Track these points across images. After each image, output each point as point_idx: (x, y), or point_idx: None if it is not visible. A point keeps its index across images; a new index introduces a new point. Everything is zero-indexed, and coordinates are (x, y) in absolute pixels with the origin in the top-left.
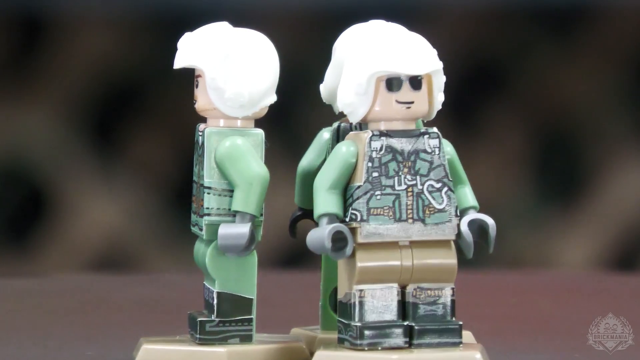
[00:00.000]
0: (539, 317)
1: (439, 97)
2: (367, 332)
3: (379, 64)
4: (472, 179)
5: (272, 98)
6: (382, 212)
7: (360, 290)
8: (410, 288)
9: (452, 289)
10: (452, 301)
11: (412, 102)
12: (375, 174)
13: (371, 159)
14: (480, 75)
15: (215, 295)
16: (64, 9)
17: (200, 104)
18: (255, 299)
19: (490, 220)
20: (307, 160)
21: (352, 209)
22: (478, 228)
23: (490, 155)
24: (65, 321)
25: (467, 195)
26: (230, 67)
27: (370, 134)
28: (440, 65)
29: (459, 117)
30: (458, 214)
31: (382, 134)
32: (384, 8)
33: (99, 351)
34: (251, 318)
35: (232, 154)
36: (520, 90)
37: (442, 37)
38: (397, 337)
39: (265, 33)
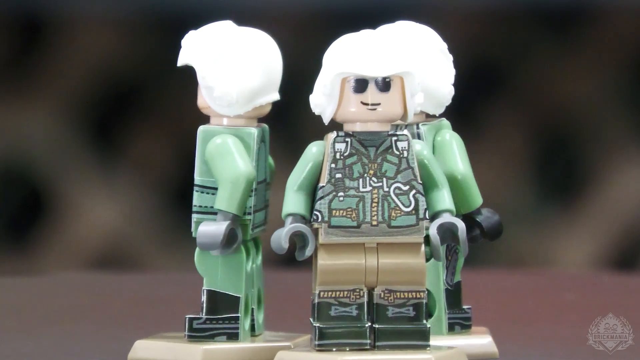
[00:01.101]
0: (539, 316)
1: (416, 99)
2: (326, 333)
3: (340, 64)
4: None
5: (270, 97)
6: (344, 214)
7: (324, 291)
8: (378, 290)
9: (423, 291)
10: (423, 304)
11: (379, 104)
12: (338, 175)
13: (334, 160)
14: (480, 75)
15: (202, 293)
16: (64, 9)
17: (199, 102)
18: (242, 297)
19: (460, 224)
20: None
21: (315, 210)
22: (446, 231)
23: (490, 155)
24: (65, 320)
25: (441, 198)
26: (222, 66)
27: (335, 134)
28: (406, 68)
29: (460, 116)
30: (427, 216)
31: (348, 135)
32: (385, 8)
33: (99, 350)
34: (238, 316)
35: (219, 151)
36: (521, 90)
37: (442, 37)
38: (360, 338)
39: (270, 33)
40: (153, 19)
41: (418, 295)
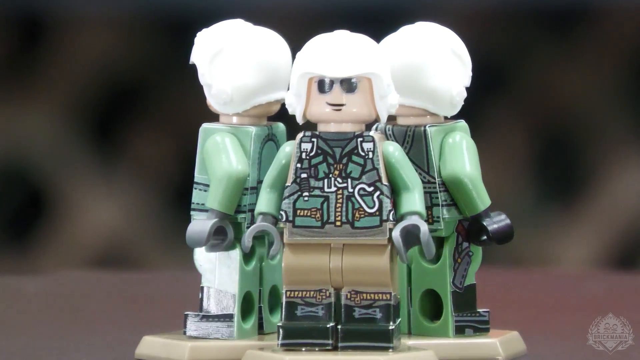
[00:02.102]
0: (539, 316)
1: (389, 101)
2: (289, 332)
3: (305, 64)
4: None
5: (273, 96)
6: (309, 214)
7: (290, 291)
8: (345, 291)
9: (389, 293)
10: (390, 305)
11: (343, 105)
12: (303, 175)
13: (300, 160)
14: (481, 75)
15: (200, 290)
16: (64, 9)
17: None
18: (237, 295)
19: (423, 227)
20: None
21: (281, 209)
22: (408, 233)
23: (490, 155)
24: (65, 319)
25: (409, 200)
26: (220, 64)
27: (302, 135)
28: (369, 70)
29: (460, 116)
30: (391, 217)
31: (314, 135)
32: (386, 9)
33: (99, 349)
34: (232, 314)
35: (212, 149)
36: (521, 90)
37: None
38: (322, 339)
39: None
40: (153, 19)
41: (384, 297)
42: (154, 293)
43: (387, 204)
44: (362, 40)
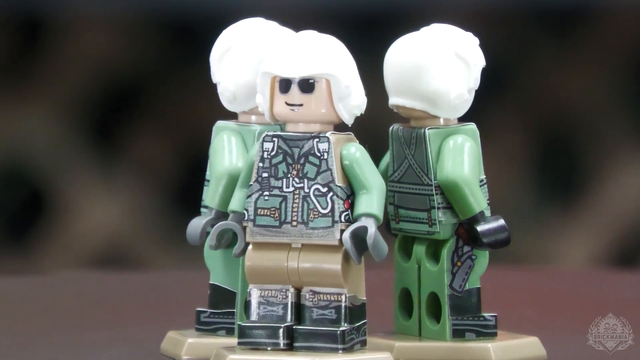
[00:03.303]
0: (538, 315)
1: (352, 102)
2: (245, 332)
3: (265, 64)
4: None
5: None
6: (268, 213)
7: (251, 290)
8: (304, 291)
9: (343, 294)
10: (342, 307)
11: (300, 105)
12: (265, 175)
13: (262, 159)
14: (481, 75)
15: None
16: (64, 10)
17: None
18: (239, 292)
19: (371, 229)
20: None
21: (244, 208)
22: (356, 236)
23: (490, 155)
24: (66, 320)
25: (364, 201)
26: (227, 62)
27: (265, 134)
28: (324, 71)
29: (460, 116)
30: (343, 219)
31: (275, 135)
32: (386, 9)
33: (99, 349)
34: (234, 311)
35: (214, 147)
36: (521, 91)
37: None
38: (275, 338)
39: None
40: (153, 19)
41: (338, 298)
42: (154, 293)
43: (340, 205)
44: (322, 40)
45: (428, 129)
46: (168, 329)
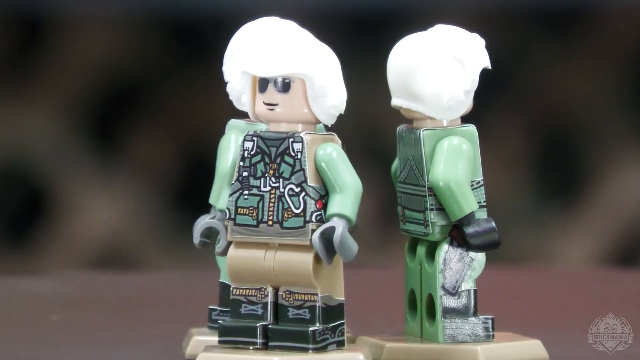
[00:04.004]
0: (538, 315)
1: (328, 102)
2: (225, 330)
3: (243, 62)
4: None
5: None
6: (247, 212)
7: (236, 289)
8: (281, 290)
9: (316, 294)
10: (316, 307)
11: (276, 105)
12: (245, 174)
13: (243, 159)
14: (480, 75)
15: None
16: (64, 10)
17: None
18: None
19: (338, 230)
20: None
21: (227, 207)
22: (321, 236)
23: (490, 155)
24: (65, 320)
25: (335, 202)
26: (234, 61)
27: (246, 133)
28: (297, 70)
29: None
30: (314, 219)
31: (255, 134)
32: (385, 9)
33: (98, 350)
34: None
35: (220, 146)
36: (521, 90)
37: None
38: (252, 337)
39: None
40: (153, 19)
41: (312, 298)
42: (154, 293)
43: (311, 205)
44: (299, 39)
45: (423, 130)
46: (168, 329)
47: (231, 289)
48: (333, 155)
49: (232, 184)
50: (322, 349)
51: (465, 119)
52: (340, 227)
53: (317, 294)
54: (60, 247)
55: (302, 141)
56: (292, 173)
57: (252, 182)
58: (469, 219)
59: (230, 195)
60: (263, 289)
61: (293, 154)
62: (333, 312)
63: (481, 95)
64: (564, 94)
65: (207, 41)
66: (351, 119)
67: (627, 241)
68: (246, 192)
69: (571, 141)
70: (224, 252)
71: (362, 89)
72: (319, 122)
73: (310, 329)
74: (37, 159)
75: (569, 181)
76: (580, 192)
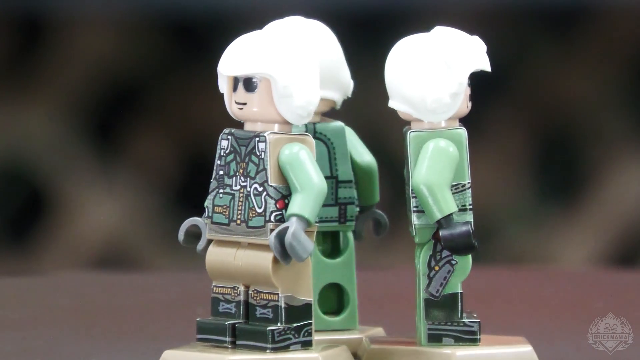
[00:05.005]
0: (538, 315)
1: (294, 103)
2: (200, 328)
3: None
4: (473, 179)
5: None
6: (221, 211)
7: (215, 287)
8: (251, 289)
9: (277, 294)
10: (278, 307)
11: (245, 104)
12: (221, 172)
13: (220, 157)
14: (480, 75)
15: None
16: (64, 10)
17: None
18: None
19: (290, 230)
20: None
21: (205, 205)
22: (279, 236)
23: (491, 154)
24: (65, 320)
25: (293, 202)
26: None
27: (223, 132)
28: (259, 70)
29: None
30: (273, 219)
31: (230, 133)
32: (386, 10)
33: (98, 350)
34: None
35: None
36: (521, 90)
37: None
38: (221, 335)
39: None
40: (153, 19)
41: (274, 298)
42: (154, 293)
43: (271, 204)
44: (268, 39)
45: (410, 132)
46: (167, 330)
47: (211, 286)
48: (297, 156)
49: (211, 182)
50: (283, 349)
51: (465, 120)
52: (292, 227)
53: (278, 294)
54: (60, 247)
55: (265, 141)
56: (257, 172)
57: (226, 180)
58: (446, 221)
59: (209, 193)
60: (236, 288)
61: (258, 153)
62: (297, 312)
63: (481, 95)
64: (564, 94)
65: (207, 41)
66: (351, 119)
67: (627, 241)
68: (221, 190)
69: (571, 141)
70: (204, 250)
71: (366, 89)
72: (286, 121)
73: (268, 328)
74: (37, 159)
75: (569, 181)
76: (580, 192)
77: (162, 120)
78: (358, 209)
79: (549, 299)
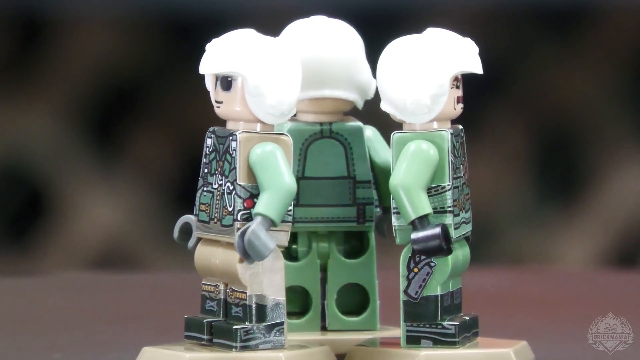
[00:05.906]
0: (538, 315)
1: (266, 102)
2: (187, 325)
3: None
4: (473, 179)
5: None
6: (204, 209)
7: (204, 284)
8: (228, 287)
9: (245, 293)
10: (247, 306)
11: (221, 102)
12: (205, 170)
13: (205, 156)
14: (480, 76)
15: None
16: (64, 10)
17: None
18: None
19: (250, 228)
20: None
21: (194, 203)
22: (242, 235)
23: (490, 155)
24: (65, 320)
25: (260, 201)
26: None
27: (208, 130)
28: (227, 69)
29: (459, 116)
30: (239, 218)
31: (213, 132)
32: (384, 9)
33: (98, 350)
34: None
35: None
36: (521, 90)
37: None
38: (200, 333)
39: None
40: (153, 19)
41: (243, 297)
42: (154, 294)
43: (239, 203)
44: (242, 39)
45: (394, 133)
46: (167, 329)
47: (201, 284)
48: (267, 155)
49: (198, 180)
50: (251, 348)
51: (466, 120)
52: (253, 225)
53: (246, 293)
54: (60, 247)
55: (236, 140)
56: (230, 171)
57: (209, 178)
58: (420, 222)
59: (197, 191)
60: (217, 286)
61: (231, 152)
62: (269, 311)
63: (481, 95)
64: (564, 94)
65: (206, 41)
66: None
67: (627, 241)
68: (205, 188)
69: (571, 141)
70: (194, 248)
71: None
72: (259, 120)
73: (234, 327)
74: (37, 159)
75: (569, 181)
76: (580, 192)
77: (163, 120)
78: (379, 210)
79: (549, 299)
